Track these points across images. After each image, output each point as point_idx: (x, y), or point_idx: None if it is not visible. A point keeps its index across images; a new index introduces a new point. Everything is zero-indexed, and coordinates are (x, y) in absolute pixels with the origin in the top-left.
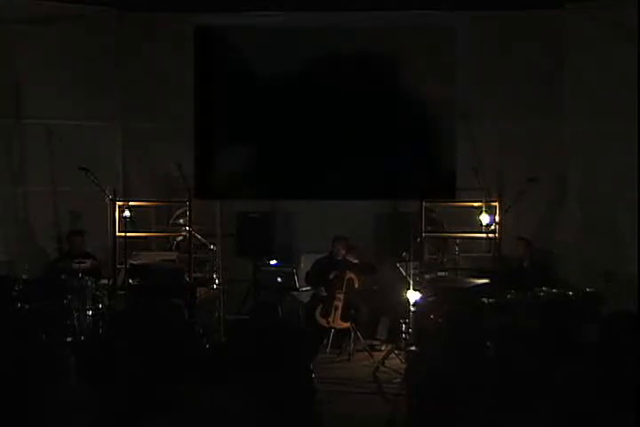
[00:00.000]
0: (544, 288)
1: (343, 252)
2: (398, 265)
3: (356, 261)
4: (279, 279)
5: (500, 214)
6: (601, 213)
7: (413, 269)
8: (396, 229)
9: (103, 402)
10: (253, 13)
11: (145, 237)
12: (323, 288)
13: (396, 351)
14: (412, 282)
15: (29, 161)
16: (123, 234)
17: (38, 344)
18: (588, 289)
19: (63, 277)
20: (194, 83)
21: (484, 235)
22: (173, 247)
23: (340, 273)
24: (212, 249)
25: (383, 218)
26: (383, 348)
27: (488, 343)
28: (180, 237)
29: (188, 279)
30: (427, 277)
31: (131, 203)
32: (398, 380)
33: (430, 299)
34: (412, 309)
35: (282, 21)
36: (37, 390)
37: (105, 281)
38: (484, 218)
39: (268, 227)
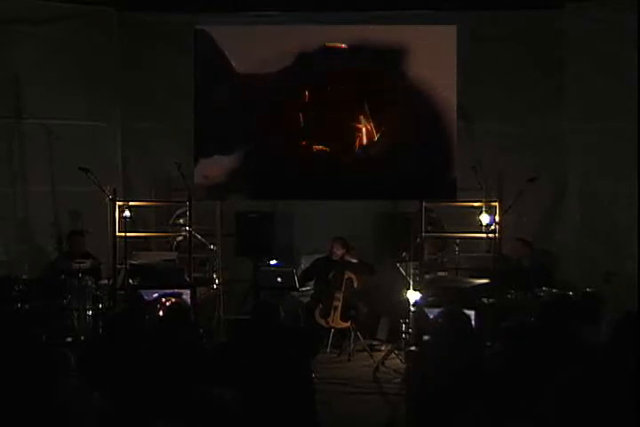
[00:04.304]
0: (544, 288)
1: (340, 252)
2: (398, 265)
3: (354, 260)
4: (279, 279)
5: (500, 214)
6: (601, 213)
7: (413, 269)
8: (396, 229)
9: (103, 402)
10: (253, 13)
11: (145, 237)
12: (311, 288)
13: (396, 351)
14: (411, 282)
15: (29, 161)
16: (123, 234)
17: (38, 344)
18: (588, 289)
19: (63, 277)
20: (194, 83)
21: (484, 235)
22: (173, 247)
23: (339, 273)
24: (212, 249)
25: (383, 218)
26: (383, 348)
27: (488, 343)
28: (180, 237)
29: (187, 279)
30: (427, 277)
31: (131, 203)
32: (398, 380)
33: (430, 299)
34: (411, 309)
35: (282, 21)
36: (37, 390)
37: (105, 281)
38: (484, 218)
39: (267, 227)
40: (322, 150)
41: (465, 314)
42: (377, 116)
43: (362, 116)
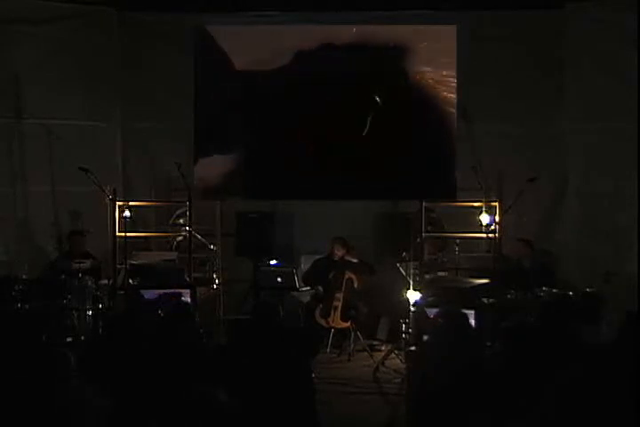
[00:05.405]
0: (544, 288)
1: (340, 253)
2: (398, 265)
3: (355, 260)
4: (279, 279)
5: (500, 214)
6: (601, 213)
7: (413, 269)
8: (396, 229)
9: (103, 402)
10: (253, 13)
11: (145, 237)
12: (320, 287)
13: (396, 351)
14: (411, 282)
15: (29, 161)
16: (123, 234)
17: (38, 344)
18: (588, 289)
19: (63, 277)
20: (194, 83)
21: (484, 235)
22: (173, 247)
23: (339, 273)
24: (212, 249)
25: (383, 218)
26: (383, 348)
27: (488, 343)
28: (180, 237)
29: (187, 279)
30: (427, 277)
31: (131, 203)
32: (398, 380)
33: (430, 299)
34: (411, 309)
35: (282, 21)
36: (37, 391)
37: (105, 281)
38: (484, 218)
39: (267, 227)
40: (322, 149)
41: (462, 313)
42: (377, 116)
43: (362, 117)
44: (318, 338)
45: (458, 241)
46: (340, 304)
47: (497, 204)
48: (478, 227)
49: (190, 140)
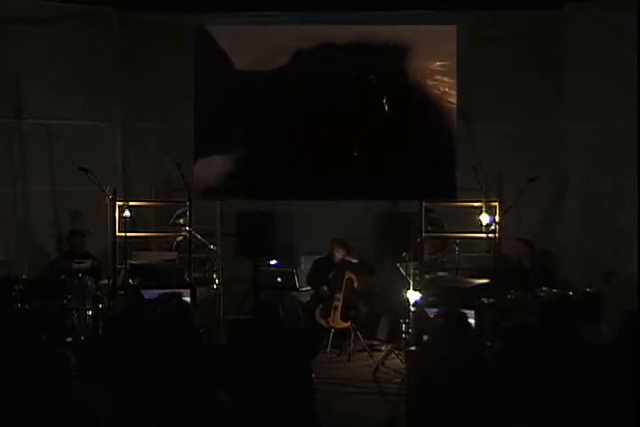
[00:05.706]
0: (544, 288)
1: (340, 254)
2: (398, 265)
3: (355, 261)
4: (279, 279)
5: (500, 214)
6: (601, 213)
7: (413, 269)
8: (396, 229)
9: (103, 402)
10: (253, 13)
11: (145, 237)
12: (325, 287)
13: (396, 351)
14: (411, 282)
15: (29, 161)
16: (123, 234)
17: (38, 344)
18: (588, 289)
19: (63, 277)
20: (194, 83)
21: (484, 235)
22: (173, 247)
23: (339, 273)
24: (212, 249)
25: (383, 218)
26: (383, 348)
27: (488, 343)
28: (180, 237)
29: (187, 279)
30: (427, 277)
31: (131, 203)
32: (398, 380)
33: (430, 299)
34: (411, 309)
35: (282, 21)
36: (37, 391)
37: (105, 281)
38: (484, 218)
39: (267, 227)
40: (323, 150)
41: (462, 313)
42: (376, 116)
43: (362, 117)
44: (318, 338)
45: (458, 241)
46: (339, 304)
47: (497, 204)
48: (478, 227)
49: (190, 140)
